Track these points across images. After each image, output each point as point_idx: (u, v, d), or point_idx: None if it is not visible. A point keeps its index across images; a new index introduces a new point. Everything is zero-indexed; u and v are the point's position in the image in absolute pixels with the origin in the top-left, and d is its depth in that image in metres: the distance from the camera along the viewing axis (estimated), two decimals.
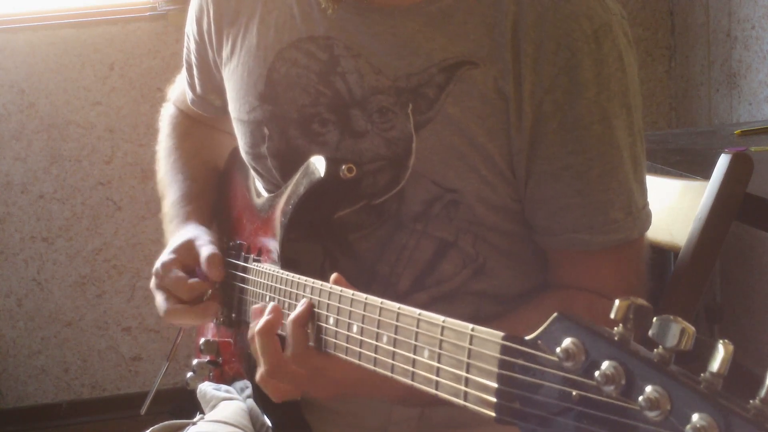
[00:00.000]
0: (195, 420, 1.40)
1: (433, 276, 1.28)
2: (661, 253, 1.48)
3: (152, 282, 1.39)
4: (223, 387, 1.43)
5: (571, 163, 1.19)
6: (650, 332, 0.64)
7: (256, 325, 1.15)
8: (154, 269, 1.38)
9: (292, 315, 1.12)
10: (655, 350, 0.64)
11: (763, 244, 3.06)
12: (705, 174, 1.45)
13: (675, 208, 1.47)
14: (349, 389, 1.14)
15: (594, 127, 1.17)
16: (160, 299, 1.38)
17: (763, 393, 0.57)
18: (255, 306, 1.22)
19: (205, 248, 1.37)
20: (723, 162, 1.39)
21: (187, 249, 1.39)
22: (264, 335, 1.14)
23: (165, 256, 1.38)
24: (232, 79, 1.37)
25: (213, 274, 1.34)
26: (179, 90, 1.65)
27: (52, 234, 3.33)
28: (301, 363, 1.11)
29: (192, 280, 1.35)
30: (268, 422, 1.33)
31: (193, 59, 1.50)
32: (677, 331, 0.63)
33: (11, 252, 3.33)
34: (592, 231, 1.21)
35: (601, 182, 1.19)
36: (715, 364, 0.60)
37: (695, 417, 0.58)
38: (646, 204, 1.25)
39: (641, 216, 1.23)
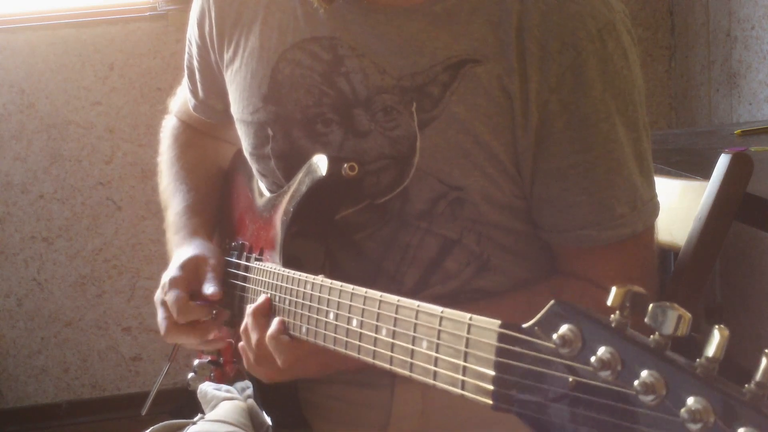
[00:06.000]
0: (195, 420, 1.40)
1: (437, 274, 1.28)
2: (661, 253, 1.48)
3: (157, 294, 1.40)
4: (224, 387, 1.43)
5: (578, 161, 1.19)
6: (646, 319, 0.65)
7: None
8: (162, 282, 1.39)
9: (253, 306, 1.24)
10: (652, 336, 0.64)
11: (763, 244, 3.06)
12: (705, 174, 1.45)
13: (675, 208, 1.47)
14: (330, 361, 1.21)
15: (600, 125, 1.18)
16: (160, 315, 1.40)
17: (758, 377, 0.57)
18: (249, 308, 1.28)
19: (210, 275, 1.38)
20: (723, 162, 1.39)
21: (195, 266, 1.39)
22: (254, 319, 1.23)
23: (173, 270, 1.39)
24: (235, 81, 1.37)
25: (212, 298, 1.38)
26: (180, 101, 1.65)
27: (52, 234, 3.33)
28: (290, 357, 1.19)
29: (192, 303, 1.37)
30: (269, 421, 1.34)
31: (195, 64, 1.50)
32: (674, 318, 0.63)
33: (11, 252, 3.33)
34: (600, 227, 1.21)
35: (606, 179, 1.20)
36: (711, 349, 0.60)
37: (690, 400, 0.58)
38: (653, 196, 1.25)
39: (647, 209, 1.24)
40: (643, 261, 1.27)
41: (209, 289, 1.36)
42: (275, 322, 1.20)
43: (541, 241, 1.29)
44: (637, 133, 1.22)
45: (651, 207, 1.25)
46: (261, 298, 1.25)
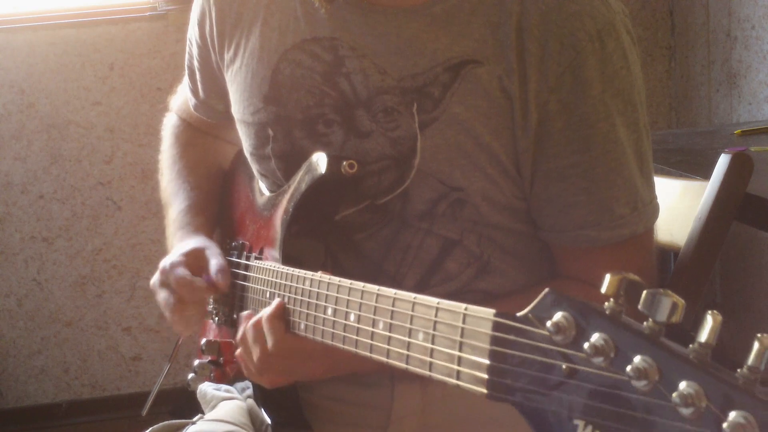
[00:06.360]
0: (195, 420, 1.40)
1: (438, 275, 1.29)
2: (661, 253, 1.49)
3: (155, 279, 1.40)
4: (224, 387, 1.43)
5: (578, 161, 1.20)
6: (640, 306, 0.65)
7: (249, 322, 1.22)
8: (160, 266, 1.39)
9: (267, 312, 1.20)
10: (645, 323, 0.64)
11: (763, 244, 3.06)
12: (705, 174, 1.45)
13: (675, 208, 1.47)
14: (333, 365, 1.21)
15: (599, 125, 1.19)
16: (163, 296, 1.39)
17: (750, 361, 0.57)
18: (243, 313, 1.28)
19: (215, 259, 1.38)
20: (723, 162, 1.40)
21: (196, 256, 1.40)
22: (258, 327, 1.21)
23: (174, 257, 1.39)
24: (236, 81, 1.37)
25: (221, 283, 1.36)
26: (181, 99, 1.65)
27: (52, 234, 3.33)
28: (282, 350, 1.19)
29: (197, 279, 1.36)
30: (268, 420, 1.33)
31: (196, 64, 1.50)
32: (668, 305, 0.63)
33: (11, 252, 3.32)
34: (599, 227, 1.22)
35: (606, 179, 1.20)
36: (704, 334, 0.60)
37: (682, 385, 0.58)
38: (653, 198, 1.26)
39: (647, 211, 1.24)
40: (643, 263, 1.26)
41: (217, 276, 1.37)
42: (274, 303, 1.20)
43: (542, 243, 1.29)
44: (637, 133, 1.22)
45: (651, 209, 1.25)
46: (267, 309, 1.24)
